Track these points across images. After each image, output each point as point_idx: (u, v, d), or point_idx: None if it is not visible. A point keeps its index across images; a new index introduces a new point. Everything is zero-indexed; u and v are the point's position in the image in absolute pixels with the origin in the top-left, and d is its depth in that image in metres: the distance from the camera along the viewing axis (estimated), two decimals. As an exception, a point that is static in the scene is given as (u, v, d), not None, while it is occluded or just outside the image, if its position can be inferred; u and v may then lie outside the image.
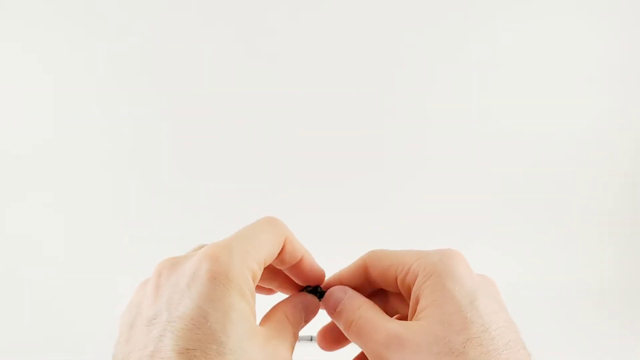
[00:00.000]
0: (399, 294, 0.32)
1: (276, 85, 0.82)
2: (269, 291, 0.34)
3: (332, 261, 0.37)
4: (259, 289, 0.33)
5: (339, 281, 0.33)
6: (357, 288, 0.32)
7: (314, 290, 0.32)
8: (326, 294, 0.32)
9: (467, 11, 0.82)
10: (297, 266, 0.32)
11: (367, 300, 0.31)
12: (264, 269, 0.29)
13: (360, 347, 0.29)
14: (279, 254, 0.30)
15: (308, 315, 0.32)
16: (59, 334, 0.68)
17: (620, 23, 0.84)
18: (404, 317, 0.32)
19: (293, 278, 0.33)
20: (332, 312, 0.31)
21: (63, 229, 0.80)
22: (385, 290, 0.33)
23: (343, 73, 0.82)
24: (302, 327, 0.31)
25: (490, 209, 0.83)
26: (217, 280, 0.25)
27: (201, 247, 0.29)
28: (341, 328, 0.31)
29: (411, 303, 0.29)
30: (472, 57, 0.83)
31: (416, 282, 0.28)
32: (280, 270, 0.33)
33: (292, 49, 0.81)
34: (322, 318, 0.33)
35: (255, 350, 0.25)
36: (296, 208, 0.79)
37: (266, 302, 0.31)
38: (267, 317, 0.29)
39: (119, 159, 0.80)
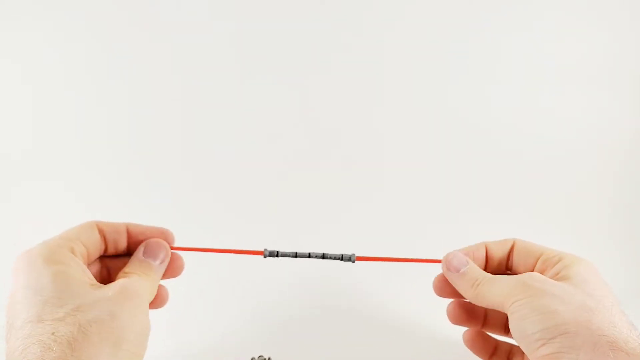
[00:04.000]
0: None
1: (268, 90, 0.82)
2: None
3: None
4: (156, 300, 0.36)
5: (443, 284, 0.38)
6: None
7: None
8: (448, 255, 0.37)
9: (465, 11, 0.82)
10: (134, 238, 0.36)
11: (483, 271, 0.36)
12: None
13: (486, 299, 0.33)
14: (105, 237, 0.35)
15: (155, 254, 0.35)
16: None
17: (620, 23, 0.85)
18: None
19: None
20: (455, 271, 0.36)
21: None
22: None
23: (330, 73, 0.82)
24: (160, 266, 0.35)
25: (491, 209, 0.83)
26: (27, 267, 0.29)
27: None
28: (461, 287, 0.36)
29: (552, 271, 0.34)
30: (472, 57, 0.84)
31: (562, 262, 0.34)
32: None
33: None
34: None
35: (91, 290, 0.29)
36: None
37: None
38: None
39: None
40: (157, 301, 0.37)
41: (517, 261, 0.37)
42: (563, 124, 0.85)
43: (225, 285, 0.69)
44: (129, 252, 0.37)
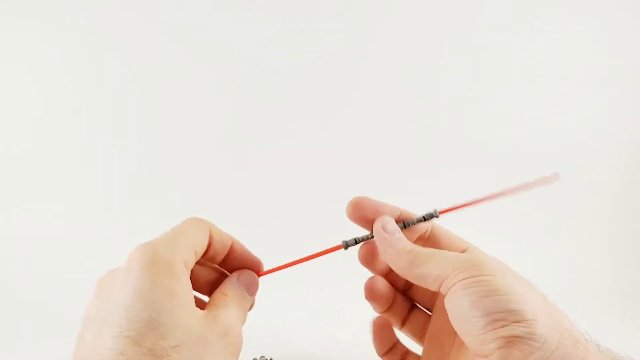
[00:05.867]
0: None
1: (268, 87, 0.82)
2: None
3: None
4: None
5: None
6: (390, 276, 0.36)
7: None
8: (382, 217, 0.32)
9: (465, 12, 0.82)
10: (231, 256, 0.34)
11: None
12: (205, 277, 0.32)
13: (423, 269, 0.30)
14: (210, 246, 0.32)
15: (250, 287, 0.33)
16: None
17: (621, 23, 0.85)
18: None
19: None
20: (392, 233, 0.32)
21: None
22: None
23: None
24: (249, 300, 0.33)
25: (491, 211, 0.83)
26: (147, 268, 0.27)
27: None
28: (393, 254, 0.31)
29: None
30: (471, 57, 0.84)
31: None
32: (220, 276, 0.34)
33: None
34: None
35: (191, 320, 0.27)
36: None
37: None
38: (208, 302, 0.31)
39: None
40: None
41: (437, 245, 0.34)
42: (563, 124, 0.85)
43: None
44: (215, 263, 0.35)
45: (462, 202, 0.34)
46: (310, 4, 0.81)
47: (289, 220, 0.79)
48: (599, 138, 0.86)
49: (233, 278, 0.33)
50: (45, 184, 0.81)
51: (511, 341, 0.25)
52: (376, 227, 0.33)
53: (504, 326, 0.25)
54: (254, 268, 0.35)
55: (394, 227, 0.32)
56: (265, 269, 0.35)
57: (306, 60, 0.82)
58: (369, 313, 0.39)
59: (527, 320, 0.25)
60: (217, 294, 0.31)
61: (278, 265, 0.34)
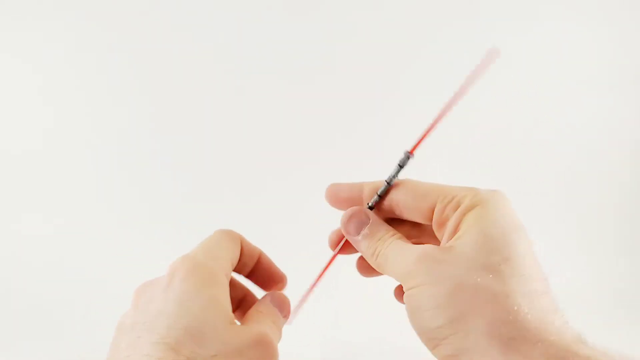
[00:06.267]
0: (418, 225, 0.31)
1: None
2: None
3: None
4: None
5: (358, 195, 0.32)
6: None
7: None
8: (345, 214, 0.30)
9: (464, 12, 0.82)
10: (258, 267, 0.34)
11: (390, 228, 0.30)
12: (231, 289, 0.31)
13: (388, 273, 0.28)
14: (240, 257, 0.32)
15: (282, 307, 0.32)
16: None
17: (621, 23, 0.85)
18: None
19: (258, 285, 0.35)
20: (354, 235, 0.30)
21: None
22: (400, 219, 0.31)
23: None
24: (283, 320, 0.32)
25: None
26: (190, 279, 0.27)
27: None
28: (364, 255, 0.30)
29: (447, 230, 0.28)
30: (470, 57, 0.83)
31: (459, 210, 0.27)
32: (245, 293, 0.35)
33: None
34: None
35: (229, 332, 0.26)
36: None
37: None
38: (244, 319, 0.31)
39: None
40: None
41: (407, 208, 0.30)
42: (567, 125, 0.85)
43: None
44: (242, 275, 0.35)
45: (425, 127, 0.33)
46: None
47: (290, 219, 0.79)
48: (604, 139, 0.86)
49: (267, 298, 0.33)
50: (45, 184, 0.81)
51: (455, 356, 0.24)
52: (342, 230, 0.31)
53: (441, 342, 0.25)
54: (279, 282, 0.35)
55: (354, 229, 0.30)
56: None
57: (307, 60, 0.82)
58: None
59: (455, 333, 0.25)
60: (253, 310, 0.31)
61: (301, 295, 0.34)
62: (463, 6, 0.82)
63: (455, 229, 0.27)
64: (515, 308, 0.23)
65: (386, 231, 0.30)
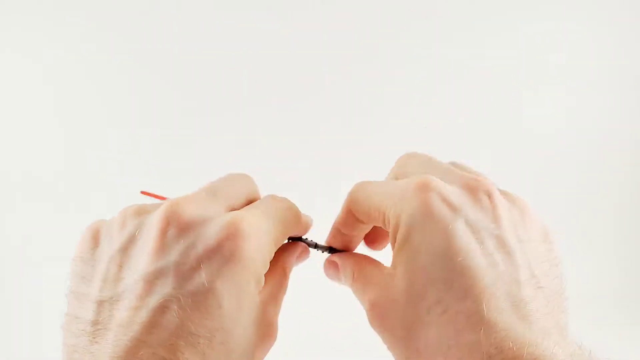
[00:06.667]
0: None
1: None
2: None
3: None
4: None
5: (337, 232, 0.30)
6: (354, 227, 0.29)
7: (300, 239, 0.30)
8: (324, 266, 0.31)
9: (465, 11, 0.82)
10: None
11: (357, 261, 0.28)
12: None
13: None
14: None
15: (299, 262, 0.31)
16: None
17: (620, 24, 0.85)
18: None
19: None
20: (338, 281, 0.30)
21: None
22: None
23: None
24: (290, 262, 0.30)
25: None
26: (239, 264, 0.22)
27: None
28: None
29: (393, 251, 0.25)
30: (470, 58, 0.84)
31: (391, 235, 0.24)
32: None
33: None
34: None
35: (249, 325, 0.23)
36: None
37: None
38: (269, 272, 0.26)
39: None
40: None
41: (369, 222, 0.28)
42: (566, 127, 0.85)
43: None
44: None
45: None
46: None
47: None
48: (602, 140, 0.86)
49: (294, 250, 0.30)
50: (42, 184, 0.81)
51: None
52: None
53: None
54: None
55: (336, 278, 0.30)
56: None
57: (310, 58, 0.82)
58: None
59: None
60: (280, 267, 0.28)
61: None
62: (463, 7, 0.82)
63: (394, 256, 0.25)
64: None
65: (351, 271, 0.28)
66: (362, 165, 0.82)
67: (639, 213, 0.86)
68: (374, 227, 0.30)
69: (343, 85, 0.82)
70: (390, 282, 0.23)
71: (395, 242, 0.24)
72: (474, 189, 0.24)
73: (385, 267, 0.26)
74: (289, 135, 0.81)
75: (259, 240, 0.23)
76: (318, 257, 0.32)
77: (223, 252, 0.22)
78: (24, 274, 0.78)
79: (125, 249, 0.22)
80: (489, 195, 0.24)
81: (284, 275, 0.28)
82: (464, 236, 0.22)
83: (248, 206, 0.26)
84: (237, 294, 0.22)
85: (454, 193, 0.23)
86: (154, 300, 0.20)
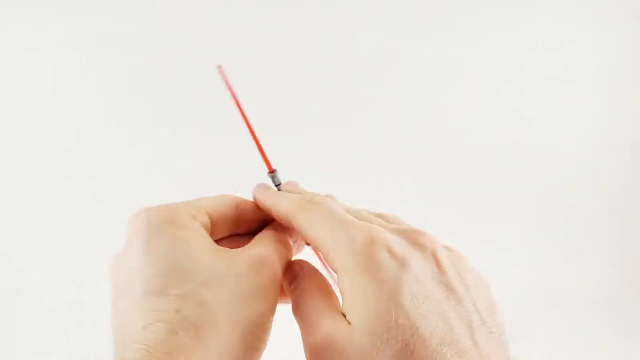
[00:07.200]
0: None
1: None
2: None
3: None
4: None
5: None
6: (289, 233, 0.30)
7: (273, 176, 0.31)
8: (286, 267, 0.28)
9: (462, 12, 0.82)
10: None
11: (318, 282, 0.27)
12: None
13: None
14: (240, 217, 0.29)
15: (291, 232, 0.30)
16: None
17: (619, 25, 0.85)
18: None
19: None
20: (287, 287, 0.28)
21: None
22: None
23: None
24: (293, 245, 0.30)
25: (491, 214, 0.83)
26: (146, 226, 0.25)
27: None
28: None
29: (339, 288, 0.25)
30: (468, 59, 0.84)
31: (337, 272, 0.24)
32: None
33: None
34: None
35: (215, 257, 0.25)
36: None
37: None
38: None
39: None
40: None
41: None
42: (565, 127, 0.85)
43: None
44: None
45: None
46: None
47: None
48: (601, 140, 0.86)
49: (274, 222, 0.30)
50: (41, 185, 0.81)
51: None
52: None
53: None
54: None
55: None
56: None
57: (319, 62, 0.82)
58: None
59: None
60: (256, 236, 0.29)
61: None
62: (463, 7, 0.82)
63: (342, 293, 0.24)
64: None
65: (306, 289, 0.27)
66: (361, 165, 0.82)
67: (638, 213, 0.86)
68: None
69: (342, 85, 0.82)
70: (342, 325, 0.23)
71: (339, 280, 0.24)
72: (416, 240, 0.24)
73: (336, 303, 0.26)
74: (288, 135, 0.81)
75: (162, 207, 0.26)
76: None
77: (137, 232, 0.26)
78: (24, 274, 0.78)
79: None
80: (432, 245, 0.24)
81: (267, 234, 0.28)
82: (412, 286, 0.22)
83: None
84: (166, 243, 0.25)
85: (400, 244, 0.24)
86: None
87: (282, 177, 0.31)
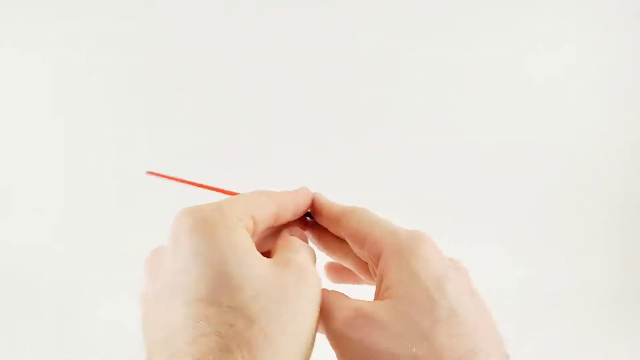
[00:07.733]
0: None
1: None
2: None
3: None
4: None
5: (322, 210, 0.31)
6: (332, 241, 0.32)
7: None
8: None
9: (462, 12, 0.82)
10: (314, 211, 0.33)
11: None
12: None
13: (321, 328, 0.26)
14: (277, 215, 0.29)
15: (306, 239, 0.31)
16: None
17: (619, 28, 0.85)
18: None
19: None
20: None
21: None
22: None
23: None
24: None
25: (490, 213, 0.83)
26: (197, 227, 0.24)
27: None
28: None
29: (377, 279, 0.27)
30: (468, 59, 0.84)
31: (382, 258, 0.26)
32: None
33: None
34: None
35: (262, 267, 0.24)
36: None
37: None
38: (273, 250, 0.28)
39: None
40: None
41: (349, 238, 0.30)
42: (562, 129, 0.86)
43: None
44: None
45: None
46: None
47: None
48: (600, 140, 0.86)
49: (295, 232, 0.30)
50: (41, 187, 0.81)
51: None
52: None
53: None
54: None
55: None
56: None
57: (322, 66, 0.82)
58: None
59: None
60: (281, 240, 0.28)
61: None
62: (463, 7, 0.82)
63: (381, 282, 0.26)
64: None
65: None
66: (360, 165, 0.82)
67: (638, 213, 0.86)
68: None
69: (342, 85, 0.82)
70: (382, 301, 0.25)
71: (378, 269, 0.27)
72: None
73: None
74: (288, 136, 0.81)
75: (209, 210, 0.26)
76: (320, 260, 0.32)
77: (180, 235, 0.26)
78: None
79: None
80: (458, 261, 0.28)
81: (290, 238, 0.29)
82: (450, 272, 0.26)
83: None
84: (213, 247, 0.24)
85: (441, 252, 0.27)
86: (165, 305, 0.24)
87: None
